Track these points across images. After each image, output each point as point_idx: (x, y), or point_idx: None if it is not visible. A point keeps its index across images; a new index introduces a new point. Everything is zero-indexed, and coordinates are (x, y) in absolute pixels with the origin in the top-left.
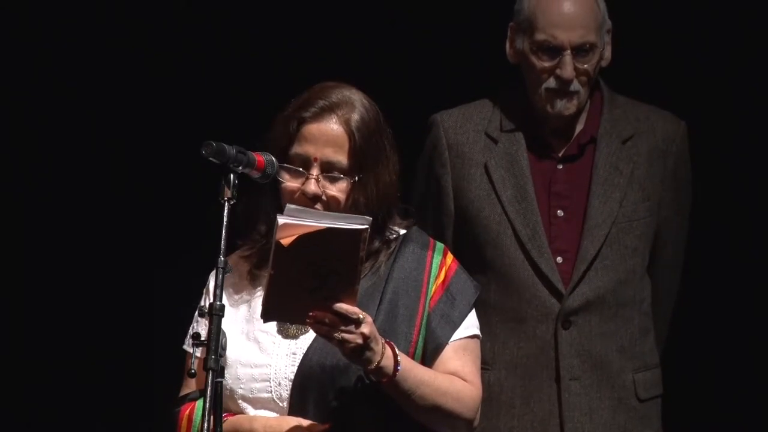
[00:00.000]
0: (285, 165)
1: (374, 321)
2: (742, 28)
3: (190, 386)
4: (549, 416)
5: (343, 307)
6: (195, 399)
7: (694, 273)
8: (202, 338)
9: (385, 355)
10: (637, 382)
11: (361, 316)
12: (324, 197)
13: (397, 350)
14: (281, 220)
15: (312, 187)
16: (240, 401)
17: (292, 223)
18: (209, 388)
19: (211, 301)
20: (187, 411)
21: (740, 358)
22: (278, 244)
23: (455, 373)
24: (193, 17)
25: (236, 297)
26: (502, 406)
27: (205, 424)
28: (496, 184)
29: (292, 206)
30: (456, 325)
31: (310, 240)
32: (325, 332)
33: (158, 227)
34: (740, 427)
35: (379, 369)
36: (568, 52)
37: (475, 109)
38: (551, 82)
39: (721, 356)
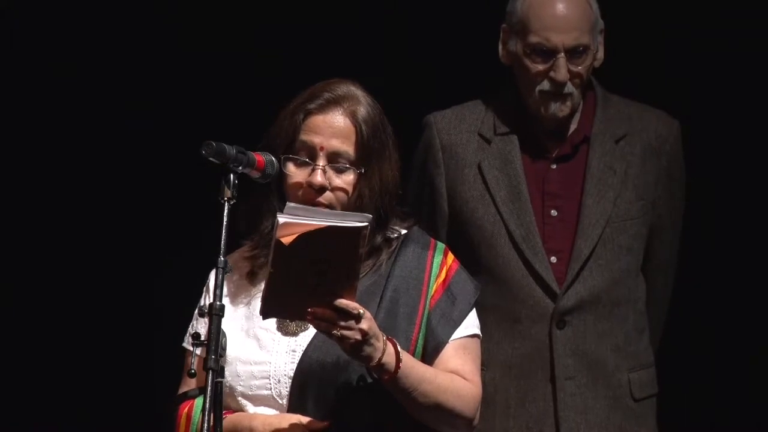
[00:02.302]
0: (291, 156)
1: (374, 319)
2: (736, 27)
3: (189, 384)
4: (544, 416)
5: (342, 302)
6: (194, 397)
7: (689, 272)
8: (202, 338)
9: (386, 352)
10: (632, 381)
11: (361, 311)
12: (330, 188)
13: (399, 347)
14: (281, 219)
15: (318, 178)
16: (239, 398)
17: (293, 222)
18: (209, 388)
19: (211, 300)
20: (186, 408)
21: (735, 357)
22: (278, 242)
23: (455, 371)
24: (193, 17)
25: (236, 295)
26: (497, 407)
27: (205, 425)
28: (490, 185)
29: (293, 204)
30: (456, 324)
31: (310, 238)
32: (324, 328)
33: (159, 226)
34: (736, 426)
35: (381, 366)
36: (562, 54)
37: (469, 110)
38: (545, 85)
39: (716, 355)
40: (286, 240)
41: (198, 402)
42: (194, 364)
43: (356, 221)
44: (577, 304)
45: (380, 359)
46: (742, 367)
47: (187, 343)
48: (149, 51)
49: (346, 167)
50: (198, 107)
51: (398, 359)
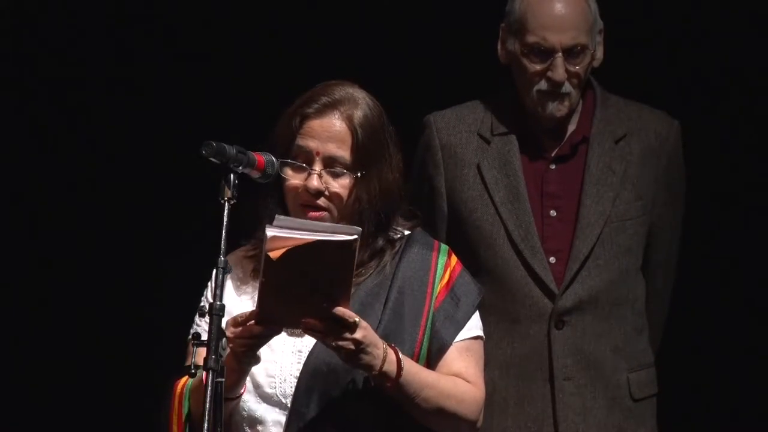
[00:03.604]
0: (288, 161)
1: (380, 321)
2: (735, 27)
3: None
4: (543, 416)
5: (339, 310)
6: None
7: (689, 272)
8: (203, 338)
9: (387, 360)
10: (632, 381)
11: (356, 320)
12: (327, 193)
13: (400, 354)
14: (270, 232)
15: (314, 182)
16: (245, 396)
17: (281, 236)
18: (209, 388)
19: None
20: (181, 382)
21: (735, 356)
22: (267, 257)
23: (459, 374)
24: (194, 17)
25: (241, 293)
26: (495, 407)
27: (206, 425)
28: (489, 185)
29: (282, 217)
30: (460, 326)
31: (299, 252)
32: (319, 338)
33: (158, 226)
34: (735, 426)
35: (383, 374)
36: (560, 54)
37: (468, 110)
38: (543, 84)
39: (716, 355)
40: (275, 254)
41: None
42: (195, 363)
43: (345, 234)
44: (575, 305)
45: (381, 368)
46: (742, 366)
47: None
48: (149, 50)
49: (343, 172)
50: (198, 107)
51: (399, 366)
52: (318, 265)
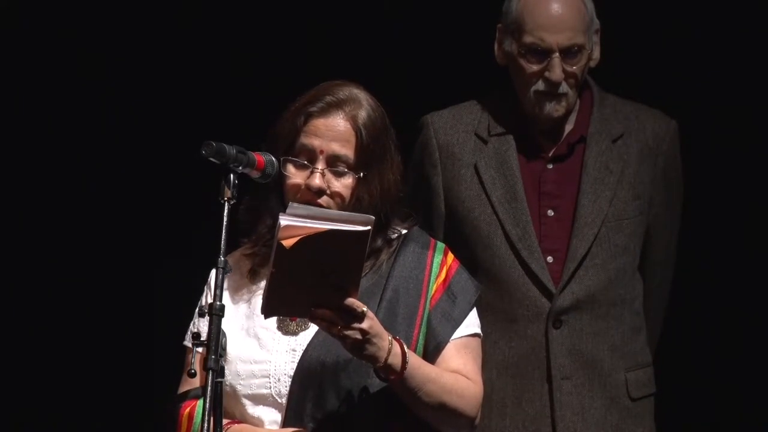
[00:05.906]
0: (290, 158)
1: None
2: (733, 26)
3: (190, 383)
4: (541, 416)
5: (347, 300)
6: (196, 397)
7: (687, 271)
8: (202, 338)
9: (392, 352)
10: (629, 380)
11: (363, 310)
12: (328, 192)
13: (405, 348)
14: (283, 221)
15: (317, 181)
16: (240, 398)
17: (295, 224)
18: (209, 388)
19: (211, 300)
20: (188, 409)
21: (733, 356)
22: (280, 245)
23: (457, 371)
24: (193, 16)
25: (236, 294)
26: (493, 406)
27: (205, 425)
28: (486, 185)
29: (295, 204)
30: (457, 324)
31: (312, 241)
32: (325, 327)
33: (158, 226)
34: (734, 426)
35: (387, 366)
36: (557, 54)
37: (465, 110)
38: (540, 85)
39: (714, 354)
40: (288, 243)
41: (200, 403)
42: (194, 363)
43: (359, 224)
44: (573, 304)
45: (386, 360)
46: (740, 366)
47: (188, 342)
48: (149, 50)
49: (345, 171)
50: (198, 107)
51: (404, 360)
52: (330, 254)
